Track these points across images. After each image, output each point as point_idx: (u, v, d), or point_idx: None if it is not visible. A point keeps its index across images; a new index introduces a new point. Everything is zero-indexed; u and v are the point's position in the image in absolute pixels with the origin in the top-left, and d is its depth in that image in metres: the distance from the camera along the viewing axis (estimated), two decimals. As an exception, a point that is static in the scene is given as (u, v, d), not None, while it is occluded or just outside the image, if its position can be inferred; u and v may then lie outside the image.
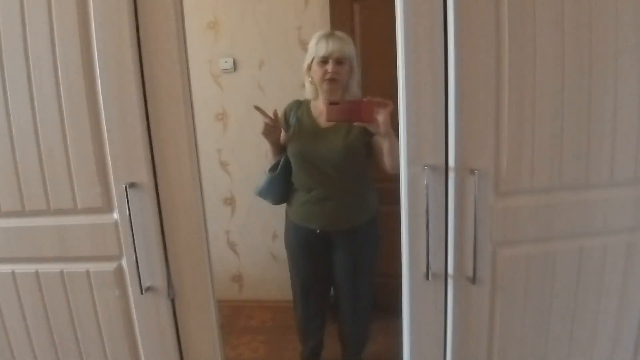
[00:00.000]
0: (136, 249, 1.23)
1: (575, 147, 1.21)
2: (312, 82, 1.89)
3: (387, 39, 2.42)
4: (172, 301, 1.32)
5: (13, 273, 1.32)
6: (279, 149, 1.93)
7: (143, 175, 1.23)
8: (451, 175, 1.20)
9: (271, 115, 1.76)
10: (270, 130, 1.79)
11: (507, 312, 1.30)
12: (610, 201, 1.26)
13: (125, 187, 1.20)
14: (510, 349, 1.33)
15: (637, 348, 1.39)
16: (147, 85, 1.20)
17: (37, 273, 1.31)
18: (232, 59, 2.80)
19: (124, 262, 1.29)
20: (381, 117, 1.51)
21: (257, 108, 1.74)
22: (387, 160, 1.70)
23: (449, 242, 1.24)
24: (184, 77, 1.20)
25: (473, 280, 1.23)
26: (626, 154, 1.24)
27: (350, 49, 1.82)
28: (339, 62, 1.79)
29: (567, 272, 1.29)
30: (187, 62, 1.21)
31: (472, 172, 1.19)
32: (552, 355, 1.34)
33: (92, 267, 1.30)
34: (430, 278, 1.24)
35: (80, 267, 1.30)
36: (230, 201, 2.97)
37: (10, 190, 1.27)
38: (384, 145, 1.64)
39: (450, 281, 1.27)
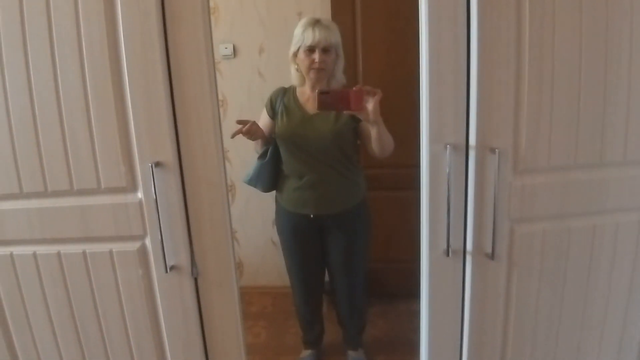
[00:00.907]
0: (161, 228, 1.24)
1: (591, 127, 1.25)
2: (298, 70, 1.90)
3: (388, 24, 2.48)
4: (195, 280, 1.34)
5: (35, 255, 1.32)
6: (266, 139, 1.93)
7: (168, 154, 1.24)
8: (471, 153, 1.23)
9: (248, 125, 1.75)
10: (252, 135, 1.79)
11: (523, 287, 1.34)
12: (623, 180, 1.31)
13: (151, 167, 1.21)
14: (525, 323, 1.37)
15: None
16: (172, 64, 1.20)
17: (59, 254, 1.32)
18: (232, 45, 2.80)
19: (147, 242, 1.30)
20: (370, 105, 1.53)
21: (239, 122, 1.74)
22: (374, 146, 1.73)
23: (468, 219, 1.28)
24: (209, 56, 1.21)
25: (492, 256, 1.27)
26: (639, 135, 1.28)
27: (336, 36, 1.84)
28: (325, 50, 1.81)
29: (581, 248, 1.33)
30: (211, 41, 1.22)
31: (492, 150, 1.22)
32: (565, 329, 1.39)
33: (115, 247, 1.31)
34: (450, 255, 1.27)
35: (103, 247, 1.31)
36: (230, 188, 2.97)
37: (32, 171, 1.27)
38: (373, 132, 1.67)
39: (468, 257, 1.30)
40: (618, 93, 1.24)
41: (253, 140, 1.85)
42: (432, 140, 1.23)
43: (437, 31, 1.17)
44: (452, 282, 1.33)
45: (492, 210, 1.24)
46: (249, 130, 1.74)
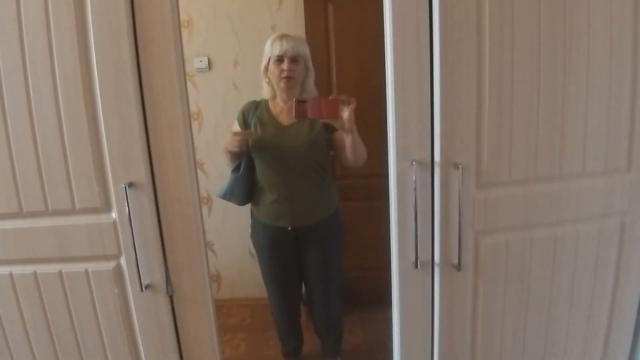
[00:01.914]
0: (136, 247, 1.26)
1: (550, 141, 1.31)
2: (269, 83, 1.95)
3: (360, 38, 2.54)
4: (171, 298, 1.36)
5: (11, 275, 1.33)
6: (237, 152, 1.95)
7: (141, 174, 1.26)
8: (437, 169, 1.28)
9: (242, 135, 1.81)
10: (242, 143, 1.83)
11: (489, 296, 1.39)
12: (583, 191, 1.37)
13: (125, 187, 1.23)
14: (492, 330, 1.42)
15: (609, 329, 1.51)
16: (144, 85, 1.23)
17: (35, 274, 1.33)
18: (206, 58, 2.81)
19: (122, 261, 1.32)
20: (345, 113, 1.58)
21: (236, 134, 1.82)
22: (349, 155, 1.78)
23: (435, 232, 1.33)
24: (181, 77, 1.24)
25: (458, 267, 1.32)
26: (596, 147, 1.35)
27: (304, 48, 1.90)
28: (293, 60, 1.86)
29: (544, 257, 1.39)
30: (183, 62, 1.25)
31: (456, 166, 1.27)
32: (531, 335, 1.45)
33: (91, 266, 1.32)
34: (418, 266, 1.32)
35: (79, 267, 1.32)
36: (206, 200, 2.98)
37: (7, 192, 1.28)
38: (347, 140, 1.72)
39: (436, 269, 1.35)
40: (576, 107, 1.31)
41: (239, 150, 1.85)
42: (399, 157, 1.27)
43: (402, 54, 1.23)
44: (421, 293, 1.37)
45: (457, 223, 1.29)
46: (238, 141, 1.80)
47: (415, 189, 1.27)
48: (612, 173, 1.38)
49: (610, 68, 1.30)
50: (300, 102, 1.52)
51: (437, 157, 1.28)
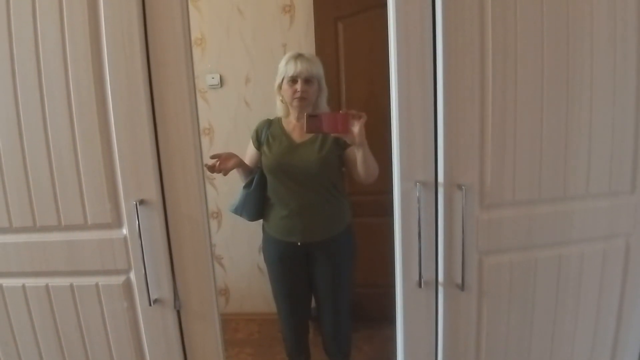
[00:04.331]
0: (145, 263, 1.30)
1: (554, 162, 1.33)
2: (282, 101, 1.98)
3: (369, 56, 2.57)
4: (178, 312, 1.39)
5: (24, 287, 1.37)
6: (247, 169, 2.00)
7: (152, 192, 1.30)
8: (440, 190, 1.30)
9: (215, 160, 1.83)
10: (222, 168, 1.85)
11: (493, 316, 1.40)
12: (587, 212, 1.38)
13: (136, 204, 1.27)
14: (496, 350, 1.42)
15: (614, 350, 1.50)
16: (156, 106, 1.27)
17: (47, 287, 1.37)
18: (218, 75, 2.87)
19: (132, 276, 1.35)
20: (356, 128, 1.61)
21: (213, 157, 1.82)
22: (360, 170, 1.80)
23: (439, 252, 1.34)
24: (192, 96, 1.28)
25: (462, 287, 1.33)
26: (601, 168, 1.36)
27: (318, 69, 1.92)
28: (307, 81, 1.89)
29: (548, 278, 1.39)
30: (194, 82, 1.29)
31: (459, 187, 1.29)
32: (535, 356, 1.45)
33: (101, 280, 1.36)
34: (422, 286, 1.33)
35: (90, 280, 1.36)
36: (216, 215, 3.02)
37: (22, 207, 1.32)
38: (358, 155, 1.74)
39: (440, 288, 1.36)
40: (579, 128, 1.32)
41: (227, 171, 1.87)
42: (403, 178, 1.30)
43: (406, 76, 1.25)
44: (425, 312, 1.38)
45: (461, 243, 1.30)
46: (222, 163, 1.82)
47: (419, 209, 1.29)
48: (616, 195, 1.39)
49: (614, 89, 1.32)
50: (312, 117, 1.56)
51: (440, 178, 1.29)
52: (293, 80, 1.89)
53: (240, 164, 1.93)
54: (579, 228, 1.38)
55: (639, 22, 1.29)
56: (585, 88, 1.30)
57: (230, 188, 2.85)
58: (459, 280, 1.33)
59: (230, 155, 1.87)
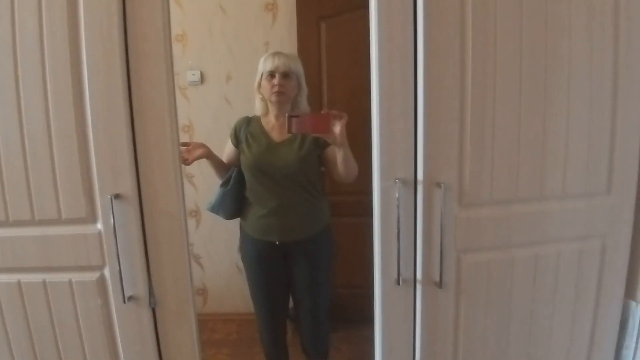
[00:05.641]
0: (120, 259, 1.27)
1: (531, 163, 1.34)
2: (262, 99, 1.97)
3: (351, 56, 2.57)
4: (153, 310, 1.36)
5: (-5, 283, 1.34)
6: (220, 164, 2.00)
7: (127, 187, 1.27)
8: (419, 188, 1.30)
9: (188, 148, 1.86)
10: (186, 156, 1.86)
11: (471, 314, 1.40)
12: (563, 212, 1.40)
13: (111, 199, 1.25)
14: (474, 348, 1.43)
15: (590, 348, 1.52)
16: (133, 99, 1.25)
17: (19, 283, 1.33)
18: (199, 72, 2.85)
19: (106, 272, 1.33)
20: (337, 128, 1.61)
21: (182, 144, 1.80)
22: (340, 169, 1.80)
23: (417, 249, 1.34)
24: (170, 91, 1.26)
25: (440, 284, 1.33)
26: (577, 169, 1.37)
27: (296, 65, 1.92)
28: (285, 75, 1.88)
29: (525, 276, 1.40)
30: (172, 76, 1.27)
31: (438, 185, 1.29)
32: (512, 353, 1.45)
33: (75, 276, 1.33)
34: (400, 283, 1.33)
35: (63, 277, 1.33)
36: (195, 213, 2.99)
37: (-7, 201, 1.29)
38: (339, 155, 1.74)
39: (418, 286, 1.36)
40: (557, 130, 1.34)
41: (191, 160, 1.89)
42: (382, 176, 1.30)
43: (386, 74, 1.26)
44: (403, 310, 1.38)
45: (440, 241, 1.31)
46: (187, 152, 1.84)
47: (398, 207, 1.29)
48: (592, 195, 1.41)
49: (590, 91, 1.33)
50: (293, 117, 1.55)
51: (420, 176, 1.30)
52: (271, 74, 1.88)
53: (208, 156, 1.93)
54: (556, 228, 1.40)
55: (615, 26, 1.31)
56: (562, 90, 1.32)
57: (209, 187, 2.81)
58: (437, 278, 1.33)
59: (199, 145, 1.88)
